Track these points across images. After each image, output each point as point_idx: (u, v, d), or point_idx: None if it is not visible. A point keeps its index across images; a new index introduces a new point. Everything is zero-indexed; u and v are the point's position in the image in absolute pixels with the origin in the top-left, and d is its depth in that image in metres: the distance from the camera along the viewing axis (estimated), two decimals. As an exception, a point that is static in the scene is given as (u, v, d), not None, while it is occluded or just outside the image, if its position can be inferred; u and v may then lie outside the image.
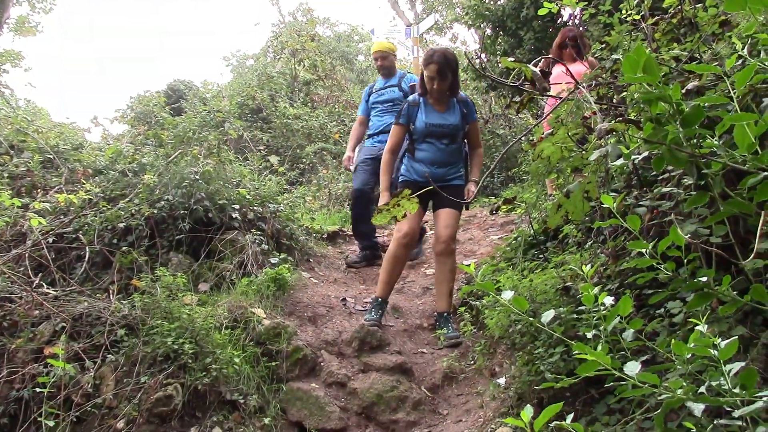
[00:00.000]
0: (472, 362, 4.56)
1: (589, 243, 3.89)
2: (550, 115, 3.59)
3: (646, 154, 1.52)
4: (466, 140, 5.30)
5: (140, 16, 67.88)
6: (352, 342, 4.90)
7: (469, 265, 2.03)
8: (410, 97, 5.26)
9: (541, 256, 4.59)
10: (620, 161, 1.69)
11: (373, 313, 5.08)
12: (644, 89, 1.47)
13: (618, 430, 2.60)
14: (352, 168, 6.74)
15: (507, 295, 1.77)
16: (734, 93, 1.53)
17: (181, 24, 68.45)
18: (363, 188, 6.53)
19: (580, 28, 8.62)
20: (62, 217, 5.60)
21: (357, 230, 6.79)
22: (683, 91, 2.22)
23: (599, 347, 1.57)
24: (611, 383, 1.56)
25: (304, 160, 12.01)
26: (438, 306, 5.12)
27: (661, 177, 3.13)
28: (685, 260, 1.62)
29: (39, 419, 3.89)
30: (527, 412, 1.40)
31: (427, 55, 5.04)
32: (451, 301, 5.13)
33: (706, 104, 1.50)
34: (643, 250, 1.63)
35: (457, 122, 5.08)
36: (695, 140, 1.50)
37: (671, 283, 1.67)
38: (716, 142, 1.49)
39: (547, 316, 1.76)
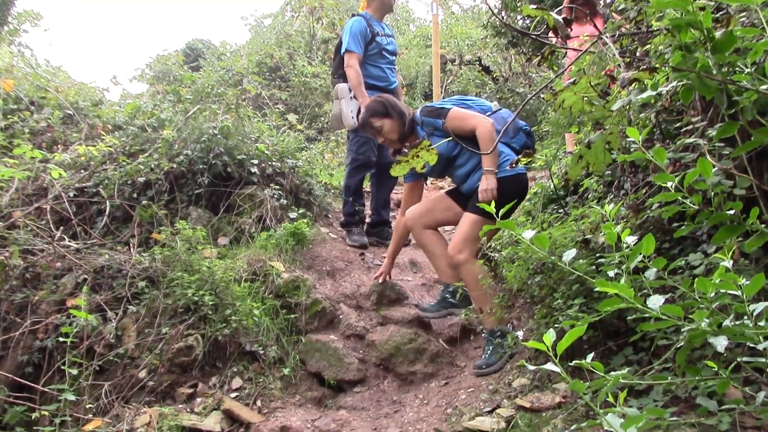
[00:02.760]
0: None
1: (610, 197, 3.85)
2: (572, 67, 3.52)
3: (674, 83, 1.47)
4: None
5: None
6: (371, 295, 4.94)
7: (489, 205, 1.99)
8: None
9: (560, 210, 4.55)
10: (647, 93, 1.63)
11: None
12: (673, 16, 1.43)
13: (636, 379, 2.60)
14: None
15: (528, 234, 1.75)
16: (766, 24, 1.48)
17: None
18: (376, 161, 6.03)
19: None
20: (83, 171, 5.64)
21: (354, 193, 6.10)
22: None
23: (622, 281, 1.56)
24: (633, 317, 1.54)
25: (323, 118, 11.95)
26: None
27: (684, 129, 3.07)
28: (713, 194, 1.58)
29: (63, 368, 3.96)
30: (550, 335, 1.38)
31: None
32: (489, 317, 4.10)
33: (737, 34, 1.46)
34: (669, 184, 1.60)
35: (439, 152, 3.99)
36: (726, 68, 1.46)
37: (697, 216, 1.64)
38: (747, 71, 1.44)
39: (569, 255, 1.74)
